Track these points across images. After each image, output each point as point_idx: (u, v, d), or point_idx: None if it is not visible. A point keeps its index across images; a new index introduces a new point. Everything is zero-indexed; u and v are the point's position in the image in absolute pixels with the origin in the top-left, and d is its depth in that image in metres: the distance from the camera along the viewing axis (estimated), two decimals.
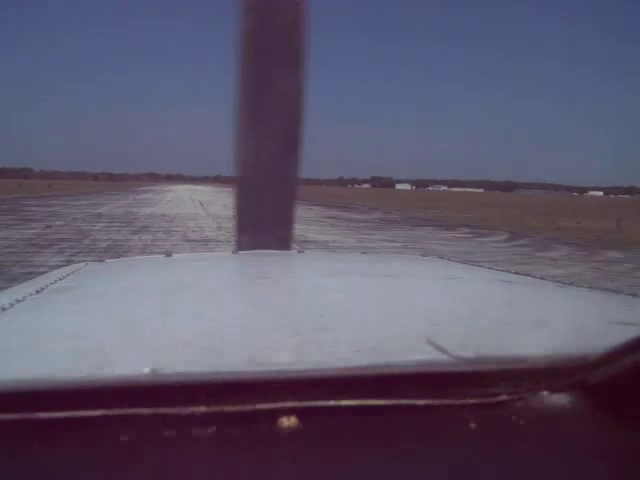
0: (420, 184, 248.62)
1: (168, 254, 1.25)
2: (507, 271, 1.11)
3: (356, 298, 0.72)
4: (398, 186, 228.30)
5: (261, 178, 1.53)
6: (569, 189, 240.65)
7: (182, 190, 62.97)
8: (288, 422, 0.42)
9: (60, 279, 0.93)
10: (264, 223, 1.54)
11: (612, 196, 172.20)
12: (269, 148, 1.51)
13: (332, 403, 0.43)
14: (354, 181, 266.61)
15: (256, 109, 1.51)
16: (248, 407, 0.42)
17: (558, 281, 0.98)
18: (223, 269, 1.17)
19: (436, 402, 0.44)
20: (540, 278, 1.02)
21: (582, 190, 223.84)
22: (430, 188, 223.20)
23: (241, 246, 1.52)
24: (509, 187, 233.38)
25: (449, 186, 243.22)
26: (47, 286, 0.84)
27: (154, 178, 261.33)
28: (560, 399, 0.46)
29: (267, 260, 1.22)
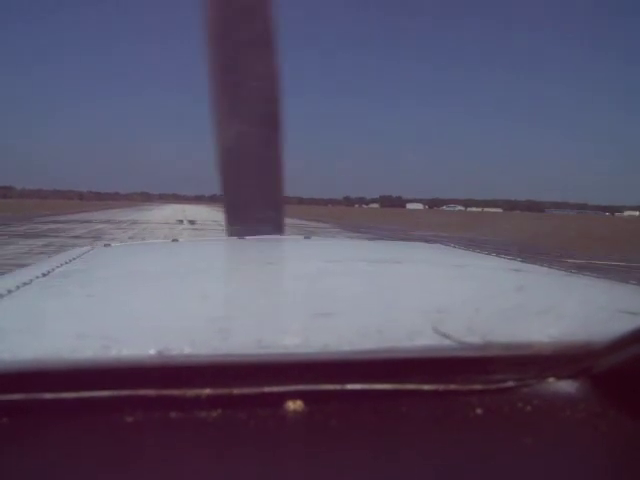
0: (433, 203, 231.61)
1: (174, 239, 1.26)
2: (514, 259, 1.08)
3: (363, 283, 0.71)
4: (409, 205, 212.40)
5: (244, 164, 1.49)
6: (596, 209, 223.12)
7: (159, 220, 29.86)
8: (294, 405, 0.42)
9: (66, 262, 0.92)
10: (253, 209, 1.49)
11: None
12: (249, 132, 1.47)
13: (338, 387, 0.43)
14: (361, 200, 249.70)
15: (231, 94, 1.49)
16: (254, 390, 0.42)
17: (565, 269, 0.97)
18: (230, 254, 1.17)
19: (442, 387, 0.44)
20: (547, 267, 1.01)
21: (613, 210, 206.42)
22: (445, 207, 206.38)
23: (232, 234, 1.49)
24: (533, 207, 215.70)
25: (465, 206, 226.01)
26: (53, 269, 0.83)
27: (147, 198, 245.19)
28: (566, 386, 0.45)
29: (274, 245, 1.24)
